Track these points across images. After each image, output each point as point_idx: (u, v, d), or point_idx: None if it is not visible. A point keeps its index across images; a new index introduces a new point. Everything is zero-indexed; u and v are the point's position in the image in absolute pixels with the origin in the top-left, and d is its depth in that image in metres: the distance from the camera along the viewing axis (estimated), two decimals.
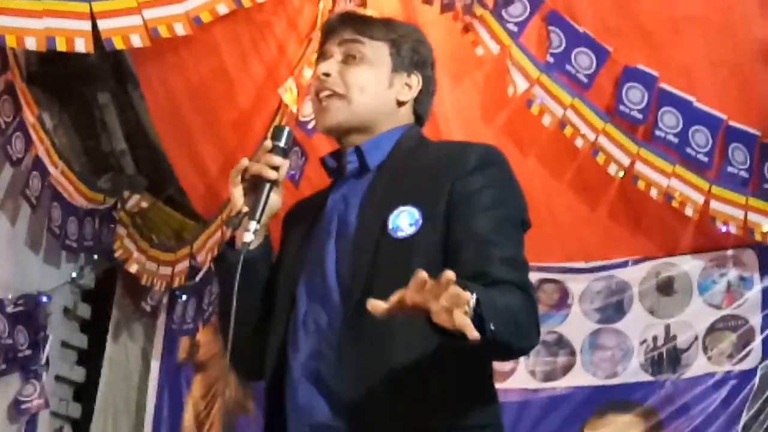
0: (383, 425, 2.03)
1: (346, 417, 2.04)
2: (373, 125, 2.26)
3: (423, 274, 1.80)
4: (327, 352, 2.10)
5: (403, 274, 1.94)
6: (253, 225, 2.11)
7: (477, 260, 2.05)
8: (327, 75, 2.23)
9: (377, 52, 2.27)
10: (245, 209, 2.13)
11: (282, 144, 2.17)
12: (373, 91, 2.25)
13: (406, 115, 2.31)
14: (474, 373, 2.12)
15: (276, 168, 2.15)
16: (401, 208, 2.12)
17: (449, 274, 1.78)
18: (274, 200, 2.17)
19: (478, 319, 1.82)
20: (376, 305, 1.86)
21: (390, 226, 2.11)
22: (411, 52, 2.31)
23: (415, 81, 2.31)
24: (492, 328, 1.84)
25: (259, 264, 2.20)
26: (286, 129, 2.22)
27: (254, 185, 2.16)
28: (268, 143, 2.16)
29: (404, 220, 2.11)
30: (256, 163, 2.15)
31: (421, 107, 2.34)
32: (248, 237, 2.11)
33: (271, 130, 2.28)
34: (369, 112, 2.24)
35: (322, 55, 2.29)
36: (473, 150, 2.20)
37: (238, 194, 2.16)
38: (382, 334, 2.04)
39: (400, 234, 2.10)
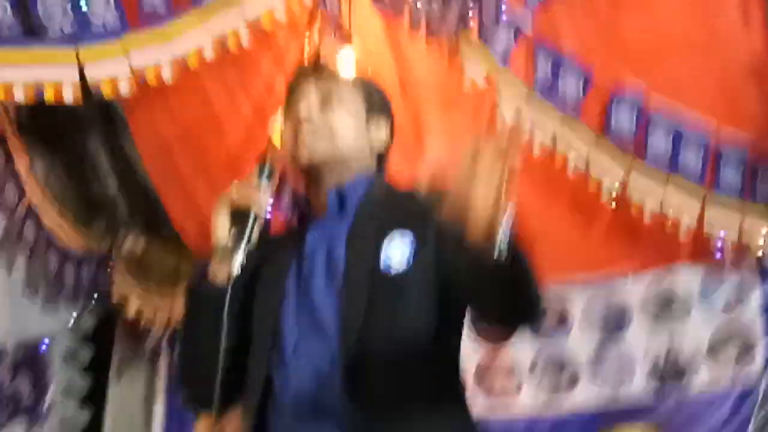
0: None
1: None
2: (351, 165, 2.33)
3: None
4: (329, 384, 2.13)
5: (399, 308, 2.11)
6: (240, 257, 2.15)
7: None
8: (309, 116, 2.30)
9: (353, 97, 2.37)
10: (231, 242, 2.17)
11: (267, 180, 2.24)
12: (354, 133, 2.34)
13: (373, 160, 2.40)
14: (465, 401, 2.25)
15: (262, 203, 2.22)
16: (391, 245, 2.19)
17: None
18: (254, 235, 2.21)
19: (508, 246, 1.85)
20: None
21: (382, 264, 2.17)
22: (380, 99, 2.42)
23: (384, 126, 2.42)
24: (523, 259, 1.89)
25: (236, 299, 2.23)
26: (269, 164, 2.27)
27: (237, 218, 2.20)
28: (255, 179, 2.23)
29: (396, 257, 2.18)
30: (244, 198, 2.20)
31: (384, 154, 2.45)
32: (236, 270, 2.15)
33: (257, 167, 2.28)
34: (349, 151, 2.32)
35: (297, 99, 2.36)
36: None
37: (222, 225, 2.21)
38: (385, 368, 2.11)
39: (393, 271, 2.17)
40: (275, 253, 2.32)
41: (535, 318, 2.11)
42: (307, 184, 2.37)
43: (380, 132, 2.42)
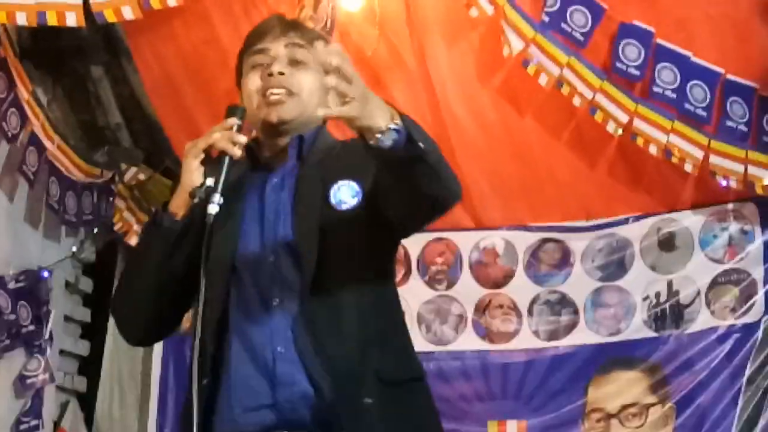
0: (357, 382, 2.20)
1: (323, 382, 2.19)
2: (311, 123, 2.42)
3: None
4: (299, 323, 2.23)
5: (352, 242, 2.25)
6: (216, 197, 2.20)
7: None
8: (282, 74, 2.37)
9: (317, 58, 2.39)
10: (210, 182, 2.22)
11: (240, 122, 2.30)
12: (318, 95, 2.39)
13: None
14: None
15: (236, 144, 2.27)
16: (340, 183, 2.31)
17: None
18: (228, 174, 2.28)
19: (406, 132, 2.05)
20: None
21: (332, 200, 2.30)
22: None
23: None
24: (422, 146, 2.06)
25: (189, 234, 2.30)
26: (241, 107, 2.35)
27: (211, 159, 2.26)
28: (232, 120, 2.28)
29: (345, 193, 2.30)
30: (223, 140, 2.25)
31: None
32: (213, 209, 2.20)
33: (228, 108, 2.34)
34: (312, 112, 2.36)
35: (264, 53, 2.41)
36: None
37: (196, 165, 2.26)
38: (341, 299, 2.25)
39: (344, 206, 2.29)
40: (230, 193, 2.33)
41: (451, 198, 2.23)
42: (263, 133, 2.45)
43: None
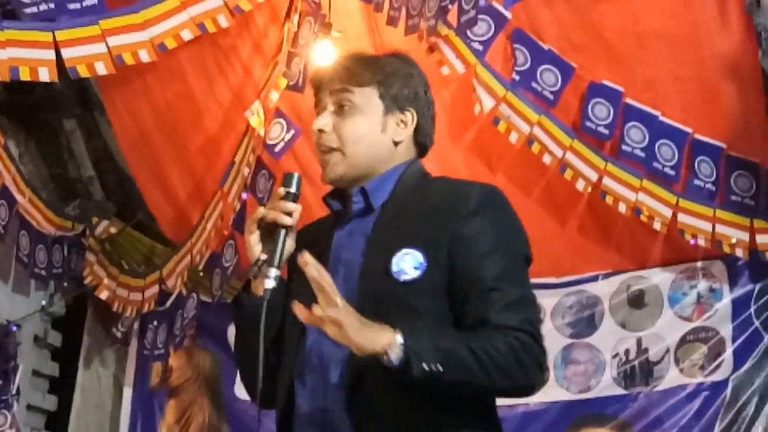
0: None
1: None
2: (373, 171, 2.29)
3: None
4: (332, 388, 2.15)
5: (406, 316, 2.08)
6: (273, 272, 2.14)
7: (479, 308, 2.12)
8: (321, 131, 2.27)
9: (367, 98, 2.29)
10: (264, 257, 2.16)
11: (293, 190, 2.20)
12: (368, 139, 2.27)
13: (405, 152, 2.33)
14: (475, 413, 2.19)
15: (290, 214, 2.18)
16: (405, 251, 2.16)
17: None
18: (289, 244, 2.20)
19: (405, 359, 1.99)
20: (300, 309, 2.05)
21: (393, 269, 2.15)
22: (401, 89, 2.32)
23: (410, 117, 2.32)
24: (427, 368, 1.99)
25: (276, 306, 2.21)
26: (296, 175, 2.24)
27: (268, 232, 2.18)
28: (282, 190, 2.19)
29: (408, 263, 2.15)
30: (272, 211, 2.18)
31: (422, 136, 2.36)
32: (270, 284, 2.13)
33: (284, 176, 2.25)
34: (365, 160, 2.27)
35: (317, 106, 2.33)
36: (472, 192, 2.24)
37: (254, 241, 2.19)
38: (391, 382, 2.08)
39: (404, 277, 2.15)
40: (311, 246, 2.23)
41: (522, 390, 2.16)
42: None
43: (404, 125, 2.32)
